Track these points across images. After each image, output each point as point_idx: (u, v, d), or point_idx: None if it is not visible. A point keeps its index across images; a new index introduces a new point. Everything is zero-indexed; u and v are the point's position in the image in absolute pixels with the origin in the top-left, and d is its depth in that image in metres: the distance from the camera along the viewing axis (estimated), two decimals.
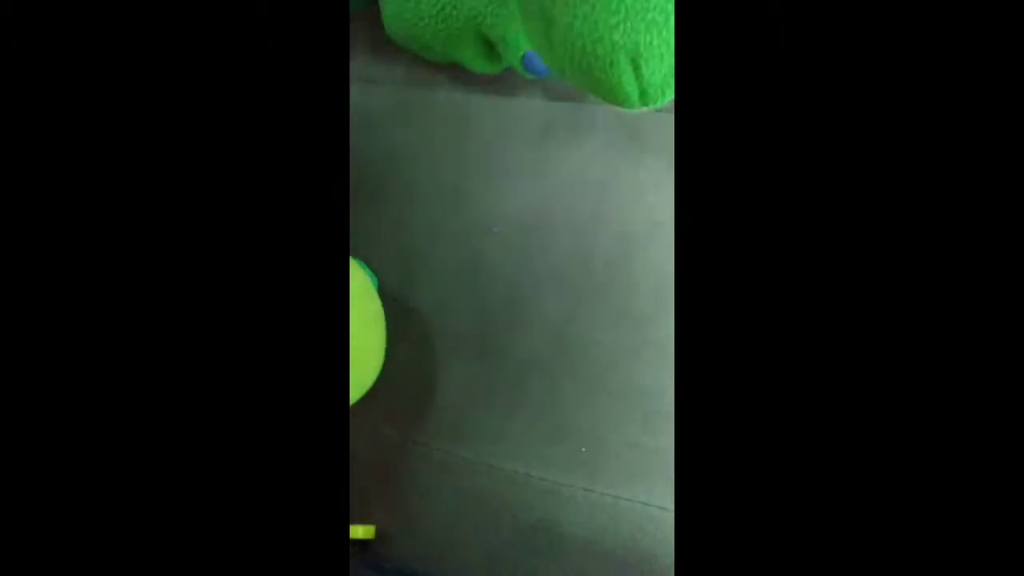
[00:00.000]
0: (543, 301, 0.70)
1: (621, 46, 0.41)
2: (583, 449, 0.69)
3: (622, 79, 0.44)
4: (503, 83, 0.70)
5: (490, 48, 0.65)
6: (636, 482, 0.67)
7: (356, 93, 0.74)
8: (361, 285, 0.66)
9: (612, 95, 0.46)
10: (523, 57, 0.63)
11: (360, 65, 0.73)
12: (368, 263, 0.72)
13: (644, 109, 0.50)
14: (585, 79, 0.45)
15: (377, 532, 0.74)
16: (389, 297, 0.70)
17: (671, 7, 0.42)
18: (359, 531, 0.73)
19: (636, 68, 0.43)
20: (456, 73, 0.69)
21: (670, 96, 0.50)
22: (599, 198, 0.68)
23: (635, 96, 0.46)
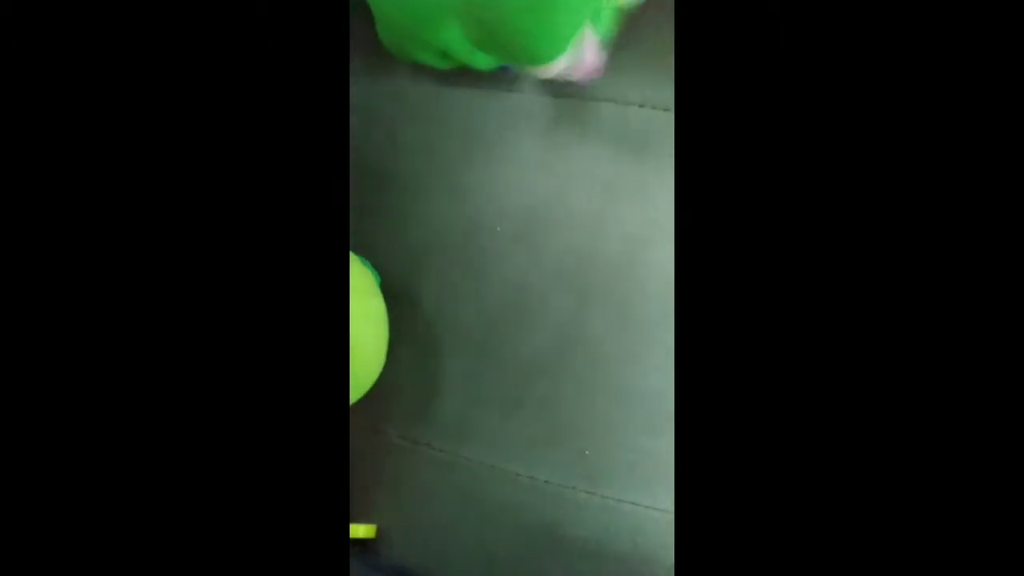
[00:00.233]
0: (546, 301, 0.69)
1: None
2: (585, 451, 0.69)
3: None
4: (507, 80, 0.69)
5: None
6: (637, 484, 0.67)
7: (360, 90, 0.73)
8: (364, 283, 0.65)
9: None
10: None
11: (364, 62, 0.72)
12: (371, 261, 0.72)
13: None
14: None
15: (378, 531, 0.74)
16: (392, 295, 0.69)
17: None
18: (360, 530, 0.73)
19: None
20: (461, 71, 0.68)
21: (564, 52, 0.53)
22: (603, 198, 0.68)
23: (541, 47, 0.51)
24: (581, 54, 0.58)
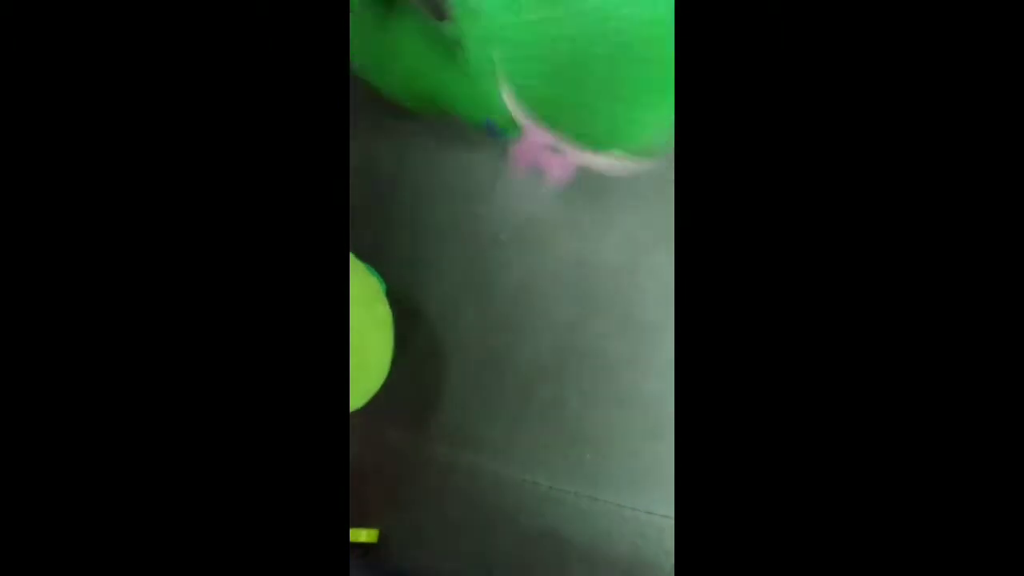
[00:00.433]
0: (549, 308, 0.71)
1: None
2: (587, 457, 0.69)
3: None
4: (491, 138, 0.71)
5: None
6: (639, 490, 0.67)
7: (366, 98, 0.75)
8: (370, 290, 0.66)
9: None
10: (484, 122, 0.60)
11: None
12: (377, 268, 0.73)
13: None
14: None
15: (380, 536, 0.75)
16: (397, 302, 0.70)
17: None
18: (362, 535, 0.73)
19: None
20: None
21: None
22: (605, 206, 0.69)
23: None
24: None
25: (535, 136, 0.48)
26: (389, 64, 0.63)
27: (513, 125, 0.49)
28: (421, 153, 0.77)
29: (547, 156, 0.48)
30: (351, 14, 0.54)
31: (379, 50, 0.62)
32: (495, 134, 0.59)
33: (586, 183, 0.69)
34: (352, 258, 0.66)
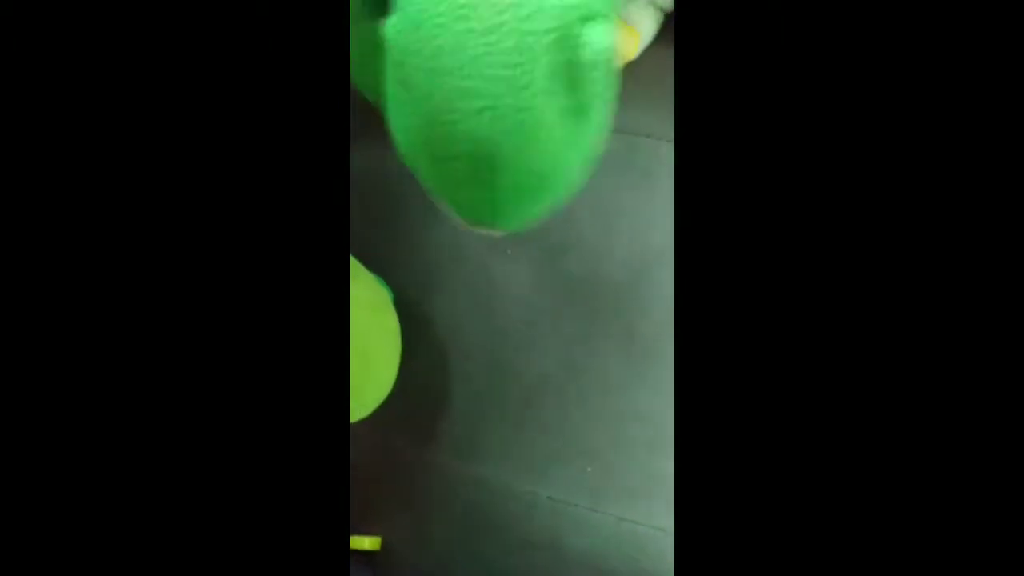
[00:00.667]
0: (554, 323, 0.71)
1: (481, 138, 0.33)
2: (588, 469, 0.70)
3: (473, 180, 0.36)
4: None
5: None
6: (639, 503, 0.68)
7: (374, 108, 0.76)
8: (378, 300, 0.67)
9: (459, 198, 0.38)
10: None
11: None
12: (385, 278, 0.74)
13: (496, 231, 0.42)
14: (433, 169, 0.37)
15: (383, 544, 0.75)
16: (404, 312, 0.71)
17: (549, 119, 0.34)
18: (365, 542, 0.73)
19: (491, 172, 0.35)
20: None
21: (524, 224, 0.42)
22: (611, 223, 0.70)
23: (484, 208, 0.38)
24: None
25: None
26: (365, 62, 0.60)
27: None
28: None
29: None
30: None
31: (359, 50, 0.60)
32: None
33: (590, 203, 0.69)
34: (361, 268, 0.67)
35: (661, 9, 0.61)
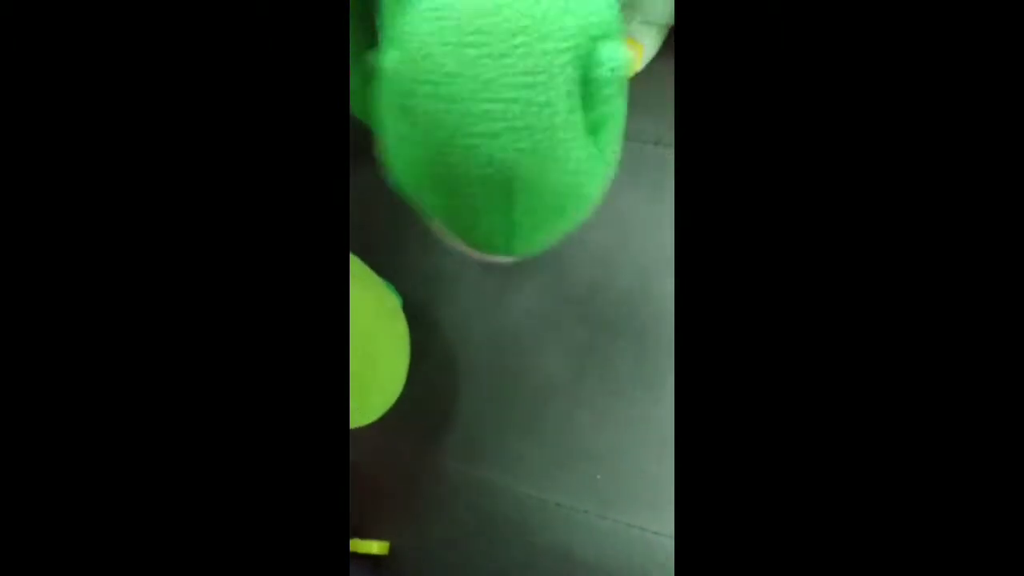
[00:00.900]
0: (561, 329, 0.71)
1: (499, 161, 0.33)
2: (597, 476, 0.70)
3: (491, 206, 0.35)
4: None
5: None
6: (647, 510, 0.68)
7: None
8: (387, 305, 0.67)
9: (475, 227, 0.37)
10: None
11: None
12: (394, 283, 0.74)
13: (507, 258, 0.41)
14: (446, 200, 0.37)
15: (391, 549, 0.75)
16: (413, 317, 0.72)
17: (568, 138, 0.33)
18: (373, 547, 0.74)
19: (510, 195, 0.35)
20: None
21: (541, 247, 0.40)
22: (619, 230, 0.70)
23: (500, 234, 0.37)
24: None
25: None
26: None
27: None
28: None
29: None
30: None
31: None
32: None
33: (598, 210, 0.70)
34: (370, 273, 0.67)
35: (663, 26, 0.62)
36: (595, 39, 0.33)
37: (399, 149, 0.38)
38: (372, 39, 0.37)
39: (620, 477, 0.69)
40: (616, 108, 0.37)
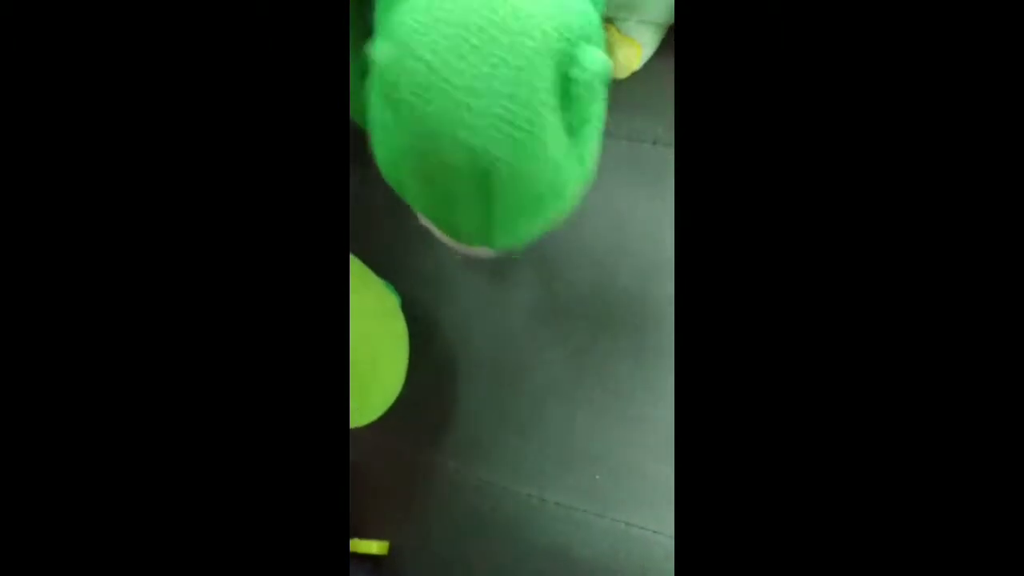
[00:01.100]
0: (561, 329, 0.71)
1: (476, 153, 0.34)
2: (596, 476, 0.70)
3: (468, 198, 0.36)
4: None
5: None
6: (647, 510, 0.68)
7: None
8: (386, 304, 0.67)
9: (452, 217, 0.38)
10: None
11: None
12: (393, 283, 0.74)
13: (488, 251, 0.41)
14: (425, 189, 0.37)
15: (390, 548, 0.75)
16: (412, 316, 0.72)
17: (545, 135, 0.34)
18: (373, 547, 0.74)
19: (487, 188, 0.36)
20: None
21: (518, 243, 0.41)
22: (618, 231, 0.70)
23: (478, 226, 0.38)
24: None
25: None
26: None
27: None
28: None
29: None
30: None
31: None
32: None
33: (597, 210, 0.70)
34: (369, 273, 0.67)
35: (660, 25, 0.62)
36: (575, 42, 0.34)
37: (384, 140, 0.39)
38: (367, 39, 0.38)
39: (619, 477, 0.69)
40: (594, 111, 0.38)
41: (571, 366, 0.71)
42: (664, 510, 0.67)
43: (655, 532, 0.67)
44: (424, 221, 0.44)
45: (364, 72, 0.38)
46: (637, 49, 0.61)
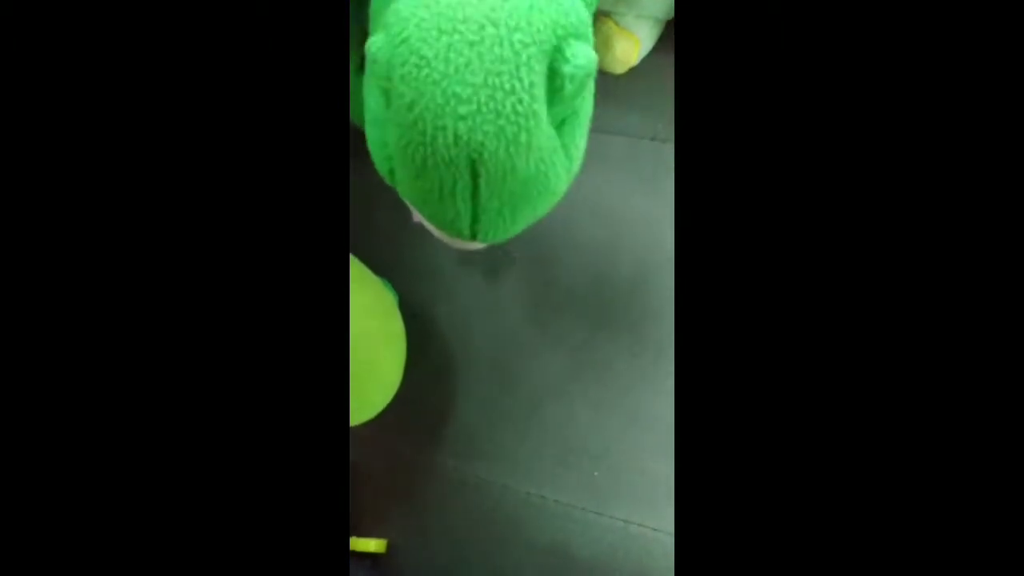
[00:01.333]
0: (559, 326, 0.71)
1: (465, 142, 0.35)
2: (595, 473, 0.70)
3: (456, 188, 0.37)
4: None
5: None
6: (646, 507, 0.68)
7: None
8: (384, 303, 0.67)
9: (441, 208, 0.38)
10: None
11: None
12: (391, 281, 0.74)
13: (477, 244, 0.41)
14: (415, 179, 0.38)
15: (389, 546, 0.75)
16: (410, 315, 0.71)
17: (532, 126, 0.35)
18: (371, 545, 0.74)
19: (475, 178, 0.36)
20: None
21: (506, 235, 0.41)
22: (616, 227, 0.70)
23: (466, 217, 0.38)
24: None
25: None
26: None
27: None
28: None
29: None
30: None
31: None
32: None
33: (595, 206, 0.70)
34: (367, 271, 0.67)
35: (658, 20, 0.61)
36: (563, 37, 0.35)
37: (376, 131, 0.40)
38: (362, 37, 0.38)
39: (619, 474, 0.69)
40: (581, 106, 0.39)
41: (570, 363, 0.71)
42: (663, 507, 0.67)
43: (655, 530, 0.67)
44: (418, 218, 0.44)
45: (359, 68, 0.38)
46: (635, 44, 0.61)
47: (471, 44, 0.34)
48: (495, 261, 0.73)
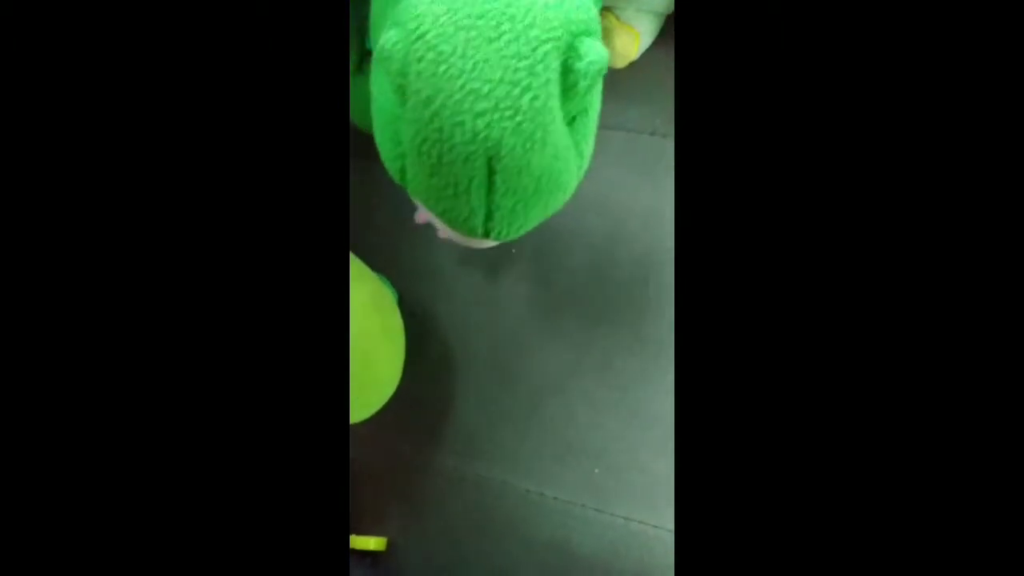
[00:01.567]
0: (559, 322, 0.71)
1: (482, 138, 0.34)
2: (595, 471, 0.69)
3: (472, 184, 0.36)
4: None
5: None
6: (646, 504, 0.68)
7: None
8: (383, 300, 0.67)
9: (455, 205, 0.38)
10: None
11: None
12: (390, 279, 0.74)
13: (488, 242, 0.41)
14: (429, 177, 0.37)
15: (388, 544, 0.75)
16: (409, 312, 0.71)
17: (548, 122, 0.35)
18: (371, 543, 0.74)
19: (490, 175, 0.36)
20: None
21: (518, 233, 0.41)
22: (617, 222, 0.70)
23: (480, 215, 0.38)
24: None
25: None
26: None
27: None
28: None
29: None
30: None
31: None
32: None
33: (595, 201, 0.69)
34: (366, 268, 0.67)
35: (659, 14, 0.61)
36: (576, 34, 0.36)
37: (387, 129, 0.40)
38: (359, 36, 0.38)
39: (619, 471, 0.69)
40: (592, 102, 0.39)
41: (569, 360, 0.70)
42: (663, 505, 0.67)
43: (655, 527, 0.67)
44: (423, 216, 0.44)
45: (357, 68, 0.38)
46: (635, 38, 0.61)
47: (489, 40, 0.34)
48: (494, 257, 0.73)
